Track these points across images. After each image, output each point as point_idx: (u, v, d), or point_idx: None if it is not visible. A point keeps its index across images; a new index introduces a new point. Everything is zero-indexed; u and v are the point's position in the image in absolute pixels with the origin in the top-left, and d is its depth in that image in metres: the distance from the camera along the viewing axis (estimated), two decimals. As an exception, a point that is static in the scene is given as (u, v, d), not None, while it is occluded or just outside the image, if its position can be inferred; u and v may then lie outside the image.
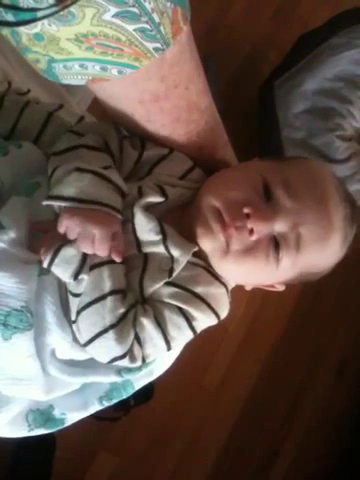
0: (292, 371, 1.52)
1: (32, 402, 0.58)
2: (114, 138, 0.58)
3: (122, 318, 0.52)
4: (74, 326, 0.53)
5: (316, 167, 0.61)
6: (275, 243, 0.55)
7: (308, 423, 1.51)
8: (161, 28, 0.43)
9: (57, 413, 0.60)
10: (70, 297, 0.53)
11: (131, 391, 0.62)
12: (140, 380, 0.62)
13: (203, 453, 1.42)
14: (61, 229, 0.51)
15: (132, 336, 0.53)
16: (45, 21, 0.41)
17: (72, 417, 0.61)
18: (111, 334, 0.52)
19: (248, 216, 0.54)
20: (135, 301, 0.54)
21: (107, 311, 0.52)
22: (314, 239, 0.56)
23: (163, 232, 0.55)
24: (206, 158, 0.61)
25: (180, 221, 0.57)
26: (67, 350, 0.55)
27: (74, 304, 0.53)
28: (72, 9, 0.40)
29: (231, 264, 0.56)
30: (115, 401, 0.62)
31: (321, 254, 0.58)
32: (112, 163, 0.55)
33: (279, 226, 0.55)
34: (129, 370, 0.59)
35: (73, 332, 0.54)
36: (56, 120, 0.60)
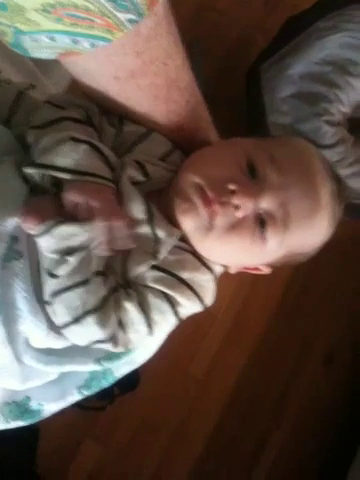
0: (280, 360, 1.51)
1: (7, 394, 0.56)
2: (96, 112, 0.55)
3: (104, 301, 0.50)
4: (48, 308, 0.51)
5: (300, 144, 0.60)
6: (261, 221, 0.54)
7: (296, 412, 1.51)
8: (134, -3, 0.41)
9: (34, 404, 0.58)
10: (45, 276, 0.49)
11: (112, 380, 0.61)
12: (121, 368, 0.60)
13: (190, 442, 1.40)
14: (69, 206, 0.48)
15: (114, 320, 0.51)
16: None
17: (50, 408, 0.59)
18: (93, 318, 0.49)
19: (233, 193, 0.52)
20: (116, 284, 0.52)
21: (90, 295, 0.49)
22: (302, 216, 0.55)
23: (149, 211, 0.52)
24: (187, 139, 0.58)
25: (159, 205, 0.54)
26: (43, 338, 0.52)
27: (50, 285, 0.49)
28: (38, -25, 0.37)
29: (214, 242, 0.54)
30: (95, 390, 0.61)
31: (309, 232, 0.57)
32: (97, 137, 0.53)
33: (266, 203, 0.53)
34: (109, 358, 0.56)
35: (48, 319, 0.51)
36: (28, 99, 0.57)
